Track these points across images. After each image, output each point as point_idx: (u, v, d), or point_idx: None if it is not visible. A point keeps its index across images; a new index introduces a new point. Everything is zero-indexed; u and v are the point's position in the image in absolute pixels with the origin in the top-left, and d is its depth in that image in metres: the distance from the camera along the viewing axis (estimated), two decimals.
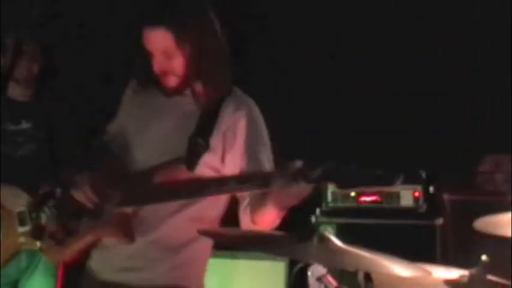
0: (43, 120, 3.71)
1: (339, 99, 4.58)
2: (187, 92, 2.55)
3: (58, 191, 3.51)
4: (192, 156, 2.44)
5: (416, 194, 4.14)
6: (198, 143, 2.43)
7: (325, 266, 2.30)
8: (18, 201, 3.49)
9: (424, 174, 4.17)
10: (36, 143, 3.66)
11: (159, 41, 2.41)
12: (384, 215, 4.11)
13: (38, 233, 3.51)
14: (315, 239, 2.11)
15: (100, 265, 2.59)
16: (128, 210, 2.47)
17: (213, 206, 2.56)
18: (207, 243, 2.59)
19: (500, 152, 4.09)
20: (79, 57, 4.71)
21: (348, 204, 4.17)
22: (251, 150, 2.49)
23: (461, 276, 2.29)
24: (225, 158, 2.50)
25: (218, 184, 2.39)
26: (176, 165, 2.44)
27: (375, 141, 4.43)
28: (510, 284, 2.29)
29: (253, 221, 2.42)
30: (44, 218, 3.48)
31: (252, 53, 4.54)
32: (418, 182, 4.16)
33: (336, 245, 2.14)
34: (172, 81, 2.49)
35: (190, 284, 2.56)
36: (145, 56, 2.49)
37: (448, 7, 4.39)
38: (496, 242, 2.41)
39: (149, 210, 2.48)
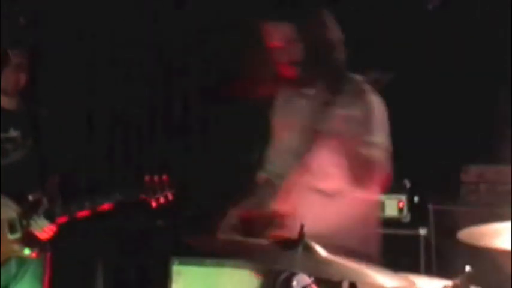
0: (31, 128, 3.71)
1: None
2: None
3: (45, 199, 3.53)
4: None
5: (401, 204, 4.15)
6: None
7: (310, 275, 2.31)
8: (7, 209, 3.48)
9: (408, 184, 4.20)
10: (24, 151, 3.66)
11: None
12: None
13: (28, 239, 3.51)
14: (300, 249, 2.13)
15: None
16: None
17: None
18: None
19: (484, 162, 4.12)
20: (66, 66, 4.72)
21: None
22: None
23: (445, 287, 2.31)
24: None
25: None
26: None
27: None
28: None
29: None
30: (33, 225, 3.48)
31: None
32: (403, 192, 4.19)
33: (321, 255, 2.16)
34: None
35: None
36: None
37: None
38: (480, 253, 2.43)
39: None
